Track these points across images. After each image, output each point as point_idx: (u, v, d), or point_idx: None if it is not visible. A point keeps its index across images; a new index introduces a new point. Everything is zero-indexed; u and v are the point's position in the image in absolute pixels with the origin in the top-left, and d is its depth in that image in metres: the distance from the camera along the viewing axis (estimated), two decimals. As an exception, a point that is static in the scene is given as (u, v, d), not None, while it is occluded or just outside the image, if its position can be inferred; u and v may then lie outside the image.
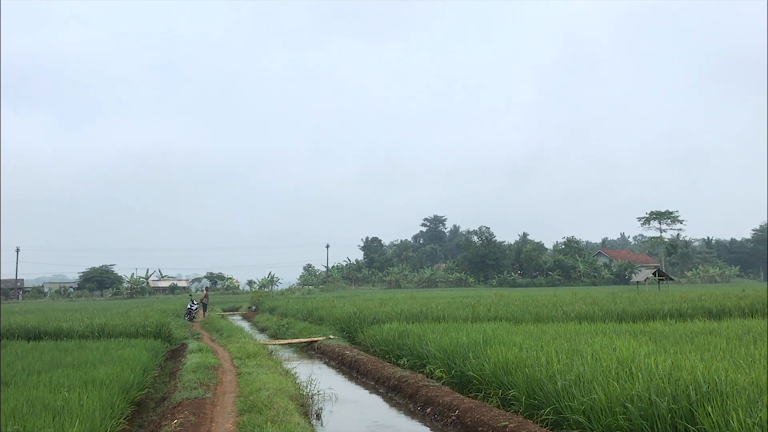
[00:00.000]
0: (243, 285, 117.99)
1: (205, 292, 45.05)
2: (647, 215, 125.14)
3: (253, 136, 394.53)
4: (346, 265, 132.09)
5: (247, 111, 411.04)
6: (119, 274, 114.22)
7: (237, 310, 57.65)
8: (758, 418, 6.44)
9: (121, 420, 9.85)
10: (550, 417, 9.16)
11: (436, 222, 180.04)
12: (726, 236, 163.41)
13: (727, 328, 16.20)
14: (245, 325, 38.21)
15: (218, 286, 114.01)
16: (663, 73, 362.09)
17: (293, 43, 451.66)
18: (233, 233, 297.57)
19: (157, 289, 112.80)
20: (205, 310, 40.62)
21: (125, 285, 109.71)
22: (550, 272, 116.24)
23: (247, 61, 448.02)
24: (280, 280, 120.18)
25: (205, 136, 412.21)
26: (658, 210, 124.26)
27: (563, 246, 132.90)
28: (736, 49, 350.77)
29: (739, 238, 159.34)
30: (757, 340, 13.36)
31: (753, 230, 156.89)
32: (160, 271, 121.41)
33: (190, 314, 36.95)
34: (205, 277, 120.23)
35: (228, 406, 10.95)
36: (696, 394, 7.61)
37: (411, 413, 12.09)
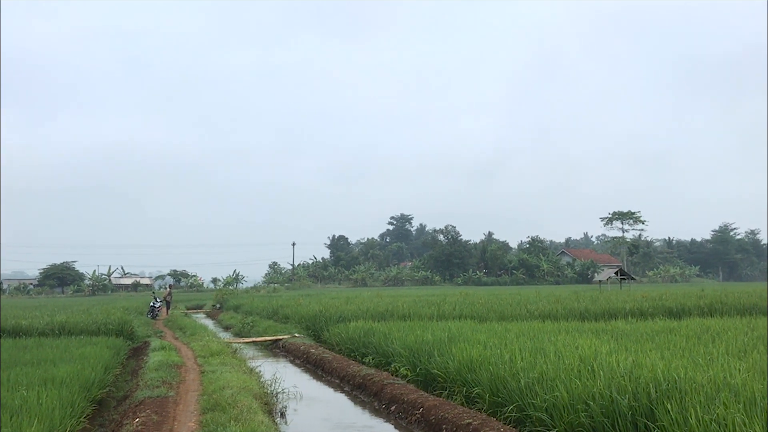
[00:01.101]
0: (207, 283, 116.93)
1: (168, 289, 44.59)
2: (610, 215, 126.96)
3: (220, 133, 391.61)
4: (313, 263, 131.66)
5: (215, 108, 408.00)
6: (81, 271, 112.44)
7: (201, 308, 57.12)
8: (715, 415, 6.57)
9: (81, 419, 9.69)
10: (514, 414, 9.25)
11: (402, 220, 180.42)
12: (686, 237, 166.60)
13: (687, 326, 16.50)
14: (209, 323, 37.86)
15: (182, 284, 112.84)
16: (627, 76, 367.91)
17: (261, 41, 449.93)
18: (198, 230, 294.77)
19: (120, 287, 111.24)
20: (168, 308, 40.21)
21: (87, 282, 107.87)
22: (514, 271, 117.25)
23: (215, 58, 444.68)
24: (245, 278, 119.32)
25: (171, 133, 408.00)
26: (620, 210, 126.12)
27: (528, 245, 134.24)
28: (699, 53, 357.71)
29: (699, 239, 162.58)
30: (716, 338, 13.63)
31: (712, 231, 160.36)
32: (122, 268, 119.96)
33: (153, 312, 36.54)
34: (169, 274, 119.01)
35: (191, 404, 10.84)
36: (656, 392, 7.74)
37: (376, 411, 12.11)
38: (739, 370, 8.87)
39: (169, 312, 39.63)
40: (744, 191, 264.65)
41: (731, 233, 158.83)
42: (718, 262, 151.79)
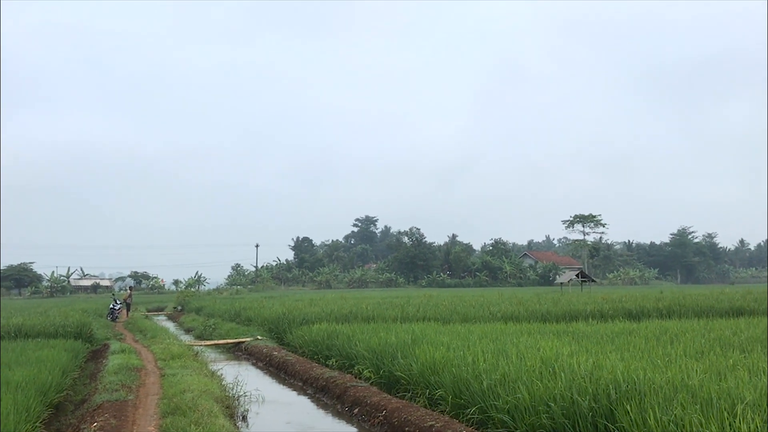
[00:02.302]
0: (169, 285, 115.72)
1: (128, 291, 43.96)
2: (571, 218, 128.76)
3: (181, 133, 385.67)
4: (276, 265, 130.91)
5: (177, 108, 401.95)
6: (39, 272, 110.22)
7: (162, 310, 56.48)
8: (673, 416, 6.68)
9: (37, 423, 9.48)
10: (476, 416, 9.29)
11: (367, 222, 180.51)
12: (646, 240, 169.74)
13: (646, 328, 16.77)
14: (170, 325, 37.42)
15: (143, 286, 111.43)
16: (590, 81, 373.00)
17: (224, 41, 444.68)
18: (159, 231, 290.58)
19: (79, 288, 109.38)
20: (128, 310, 39.59)
21: (45, 284, 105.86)
22: (478, 273, 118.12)
23: (176, 57, 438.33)
24: (207, 280, 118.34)
25: (132, 132, 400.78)
26: (581, 214, 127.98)
27: (491, 247, 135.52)
28: (659, 60, 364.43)
29: (658, 242, 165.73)
30: (674, 340, 13.87)
31: (671, 234, 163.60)
32: (82, 269, 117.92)
33: (112, 314, 35.96)
34: (129, 276, 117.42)
35: (150, 408, 10.67)
36: (616, 393, 7.84)
37: (339, 414, 12.07)
38: (696, 371, 9.04)
39: (130, 314, 39.02)
40: (701, 196, 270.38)
41: (689, 237, 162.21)
42: (676, 265, 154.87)
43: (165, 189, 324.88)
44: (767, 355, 11.02)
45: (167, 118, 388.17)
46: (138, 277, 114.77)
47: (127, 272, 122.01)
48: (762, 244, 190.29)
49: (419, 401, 11.12)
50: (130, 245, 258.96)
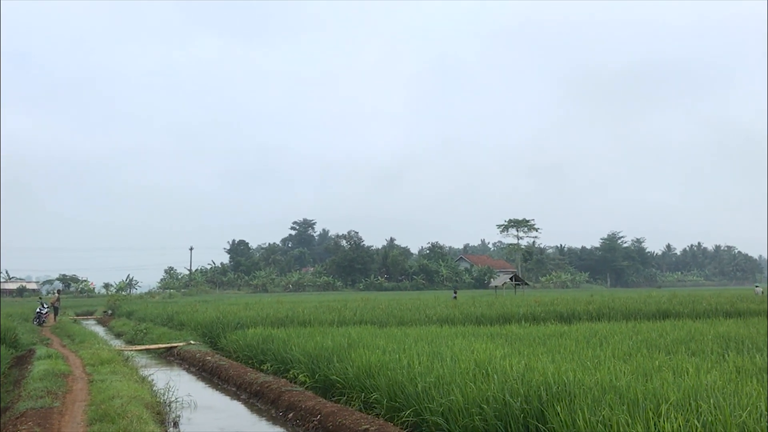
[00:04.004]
0: (99, 288, 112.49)
1: (56, 295, 42.57)
2: (506, 223, 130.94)
3: (114, 134, 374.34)
4: (211, 268, 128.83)
5: (109, 108, 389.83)
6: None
7: (92, 314, 54.95)
8: (601, 417, 6.84)
9: (-47, 434, 9.06)
10: (410, 419, 9.32)
11: (305, 225, 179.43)
12: (577, 244, 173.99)
13: (577, 331, 17.17)
14: (100, 330, 36.40)
15: (72, 289, 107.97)
16: (524, 88, 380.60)
17: (160, 40, 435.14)
18: (90, 233, 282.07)
19: (4, 292, 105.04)
20: (56, 315, 38.34)
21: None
22: (415, 276, 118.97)
23: (113, 57, 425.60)
24: (139, 284, 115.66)
25: (64, 132, 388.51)
26: (516, 218, 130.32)
27: (428, 251, 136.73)
28: (591, 68, 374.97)
29: (589, 246, 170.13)
30: (603, 342, 14.24)
31: (601, 239, 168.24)
32: (7, 272, 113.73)
33: (39, 318, 34.76)
34: (58, 279, 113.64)
35: (77, 415, 10.33)
36: (546, 395, 7.98)
37: (273, 419, 11.94)
38: (624, 372, 9.29)
39: (57, 318, 37.80)
40: (630, 201, 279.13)
41: (618, 241, 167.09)
42: (606, 269, 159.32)
43: (96, 190, 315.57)
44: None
45: (101, 119, 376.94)
46: (66, 280, 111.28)
47: (55, 275, 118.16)
48: (687, 248, 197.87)
49: (354, 405, 11.10)
50: (58, 247, 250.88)
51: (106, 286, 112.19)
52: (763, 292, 42.06)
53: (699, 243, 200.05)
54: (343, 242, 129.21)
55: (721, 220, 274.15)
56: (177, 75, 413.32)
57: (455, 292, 54.51)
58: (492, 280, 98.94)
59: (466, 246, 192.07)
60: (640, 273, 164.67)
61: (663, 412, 6.65)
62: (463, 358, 11.12)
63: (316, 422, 10.41)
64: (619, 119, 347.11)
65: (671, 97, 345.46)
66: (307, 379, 13.51)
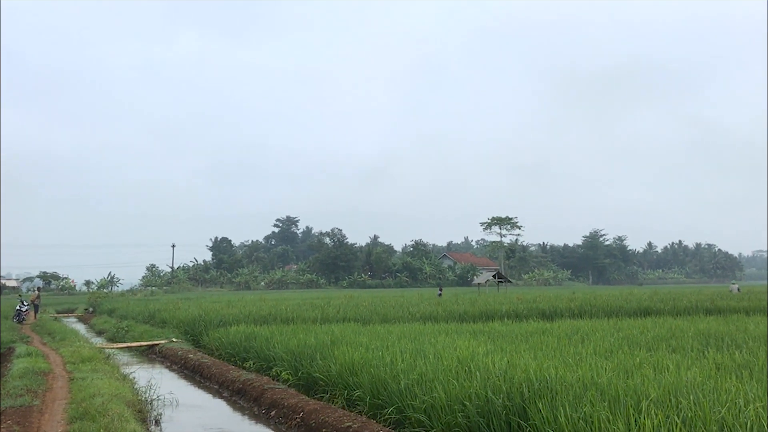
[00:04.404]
0: (80, 286, 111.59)
1: (36, 292, 42.13)
2: (489, 221, 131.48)
3: (97, 131, 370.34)
4: (193, 265, 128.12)
5: (91, 104, 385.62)
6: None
7: (73, 312, 54.42)
8: (583, 413, 6.88)
9: (-70, 434, 8.94)
10: (393, 416, 9.33)
11: (288, 223, 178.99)
12: (559, 242, 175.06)
13: (559, 328, 17.26)
14: (81, 328, 36.09)
15: (52, 287, 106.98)
16: (507, 87, 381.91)
17: (141, 36, 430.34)
18: (71, 231, 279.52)
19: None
20: (36, 312, 37.94)
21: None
22: (398, 274, 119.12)
23: (91, 52, 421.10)
24: (120, 281, 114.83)
25: (44, 128, 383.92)
26: (499, 216, 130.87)
27: (411, 249, 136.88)
28: (573, 68, 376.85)
29: (571, 244, 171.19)
30: (584, 339, 14.32)
31: (583, 237, 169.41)
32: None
33: (19, 316, 34.39)
34: (38, 276, 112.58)
35: (58, 413, 10.24)
36: (528, 392, 8.01)
37: (255, 416, 11.90)
38: (605, 369, 9.34)
39: (38, 316, 37.41)
40: (613, 199, 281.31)
41: (600, 239, 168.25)
42: (588, 267, 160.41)
43: (78, 187, 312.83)
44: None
45: (82, 115, 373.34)
46: (47, 278, 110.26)
47: (35, 272, 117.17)
48: (669, 246, 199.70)
49: (337, 402, 11.09)
50: (39, 244, 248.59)
51: (88, 283, 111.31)
52: (739, 290, 42.49)
53: (680, 241, 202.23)
54: (327, 240, 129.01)
55: (702, 218, 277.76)
56: (159, 71, 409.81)
57: (440, 290, 54.64)
58: (475, 277, 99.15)
59: (449, 243, 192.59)
60: (622, 270, 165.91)
61: (643, 409, 6.70)
62: (446, 356, 11.14)
63: (298, 420, 10.39)
64: (601, 118, 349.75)
65: (653, 96, 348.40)
66: (290, 377, 13.48)
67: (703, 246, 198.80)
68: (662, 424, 6.28)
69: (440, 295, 45.29)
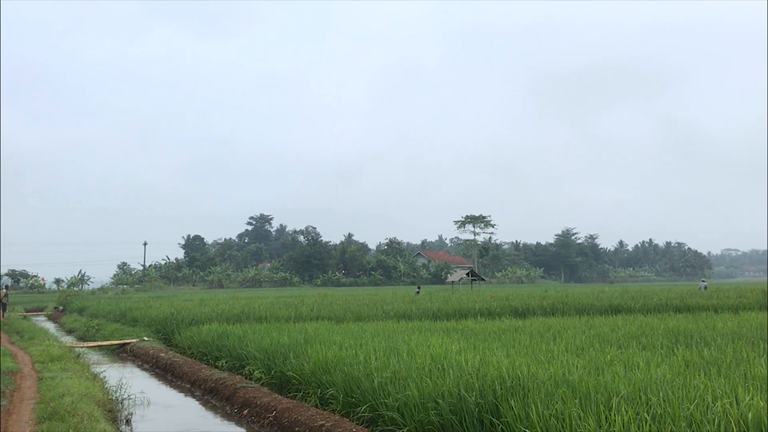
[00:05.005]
0: (50, 284, 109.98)
1: (4, 290, 41.45)
2: (463, 219, 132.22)
3: (67, 126, 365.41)
4: (165, 263, 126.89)
5: (62, 99, 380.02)
6: None
7: (42, 310, 53.69)
8: (554, 410, 6.94)
9: None
10: (366, 414, 9.33)
11: (262, 221, 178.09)
12: (532, 240, 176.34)
13: (531, 325, 17.37)
14: (51, 326, 35.60)
15: (21, 285, 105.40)
16: (482, 87, 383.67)
17: (114, 32, 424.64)
18: (40, 228, 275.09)
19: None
20: (4, 311, 37.35)
21: None
22: (372, 272, 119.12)
23: (63, 47, 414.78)
24: (91, 279, 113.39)
25: (11, 123, 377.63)
26: (472, 214, 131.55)
27: (385, 247, 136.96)
28: (548, 68, 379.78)
29: (543, 242, 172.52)
30: (556, 336, 14.44)
31: (556, 235, 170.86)
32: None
33: (-15, 315, 33.81)
34: (6, 274, 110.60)
35: (25, 414, 10.09)
36: (501, 389, 8.06)
37: (227, 415, 11.82)
38: (577, 366, 9.42)
39: (5, 315, 36.84)
40: (584, 198, 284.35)
41: (572, 237, 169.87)
42: (560, 265, 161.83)
43: (47, 183, 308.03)
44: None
45: (50, 111, 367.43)
46: (16, 276, 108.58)
47: (3, 270, 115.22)
48: (639, 245, 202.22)
49: (310, 401, 11.07)
50: (7, 242, 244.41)
51: (58, 281, 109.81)
52: (707, 288, 43.16)
53: (650, 239, 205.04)
54: (301, 238, 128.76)
55: (672, 217, 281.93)
56: (132, 67, 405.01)
57: (419, 288, 54.72)
58: (449, 275, 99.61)
59: (423, 242, 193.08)
60: (593, 269, 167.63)
61: (614, 406, 6.77)
62: (420, 353, 11.16)
63: (271, 418, 10.35)
64: (574, 118, 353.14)
65: (626, 96, 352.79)
66: (263, 376, 13.41)
67: (673, 245, 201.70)
68: (632, 421, 6.35)
69: (418, 293, 45.41)
